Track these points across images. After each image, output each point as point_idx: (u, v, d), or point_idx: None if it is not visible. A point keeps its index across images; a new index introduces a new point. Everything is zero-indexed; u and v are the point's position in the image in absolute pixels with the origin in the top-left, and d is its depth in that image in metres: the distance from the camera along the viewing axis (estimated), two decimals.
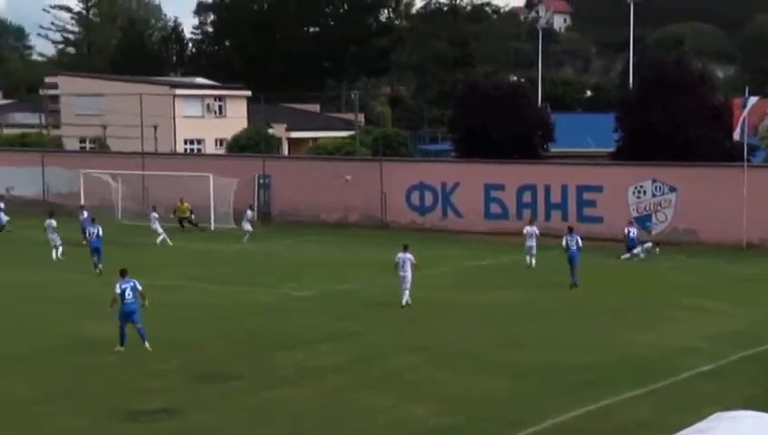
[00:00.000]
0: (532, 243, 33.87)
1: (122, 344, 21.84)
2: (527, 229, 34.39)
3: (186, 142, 64.29)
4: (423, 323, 25.07)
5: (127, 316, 21.78)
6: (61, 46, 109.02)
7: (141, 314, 21.91)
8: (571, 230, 31.12)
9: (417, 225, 44.03)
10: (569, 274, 30.09)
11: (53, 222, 35.73)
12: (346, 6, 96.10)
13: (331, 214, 45.63)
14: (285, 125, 68.59)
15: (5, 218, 41.65)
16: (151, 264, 33.64)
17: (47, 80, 71.23)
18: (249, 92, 69.07)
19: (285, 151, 66.66)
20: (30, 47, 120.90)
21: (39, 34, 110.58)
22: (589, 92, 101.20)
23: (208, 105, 67.23)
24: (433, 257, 32.72)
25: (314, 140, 65.21)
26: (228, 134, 61.82)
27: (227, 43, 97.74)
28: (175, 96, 64.12)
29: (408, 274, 26.66)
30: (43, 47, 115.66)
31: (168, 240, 39.66)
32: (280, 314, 26.39)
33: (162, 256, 37.04)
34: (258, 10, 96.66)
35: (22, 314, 26.27)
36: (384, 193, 44.92)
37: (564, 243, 30.48)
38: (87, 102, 62.87)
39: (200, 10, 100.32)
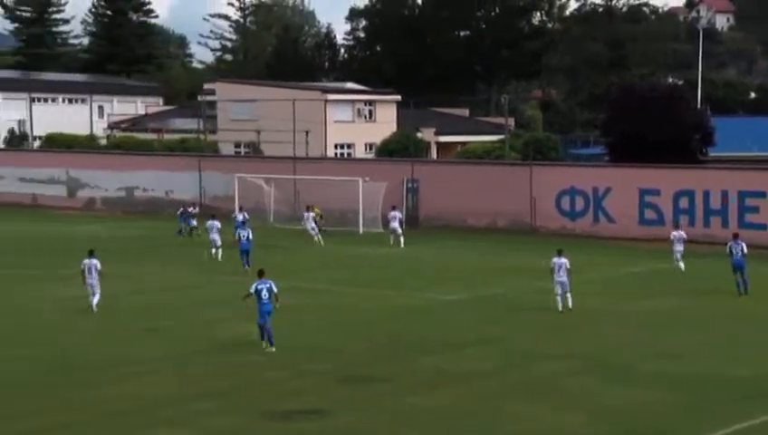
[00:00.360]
0: (680, 247, 33.16)
1: (272, 345, 22.10)
2: (674, 234, 33.77)
3: (336, 147, 65.15)
4: (573, 331, 24.40)
5: (262, 316, 22.07)
6: (219, 53, 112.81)
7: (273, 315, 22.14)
8: (736, 236, 29.80)
9: (567, 230, 43.06)
10: (729, 281, 28.82)
11: (217, 223, 36.63)
12: (498, 10, 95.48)
13: (479, 219, 45.16)
14: (434, 129, 68.60)
15: (193, 223, 43.20)
16: (298, 267, 34.10)
17: (205, 86, 73.71)
18: (399, 97, 69.45)
19: (434, 156, 66.65)
20: (190, 55, 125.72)
21: (199, 42, 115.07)
22: (753, 94, 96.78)
23: (359, 110, 67.97)
24: (584, 263, 31.82)
25: (463, 144, 64.90)
26: (378, 138, 62.26)
27: (378, 49, 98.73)
28: (326, 101, 65.02)
29: (565, 278, 26.15)
30: (202, 55, 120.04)
31: (320, 241, 40.23)
32: (425, 318, 26.20)
33: (309, 259, 37.43)
34: (409, 15, 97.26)
35: (172, 313, 26.97)
36: (534, 198, 44.16)
37: (728, 249, 29.24)
38: (242, 108, 64.59)
39: (352, 16, 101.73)
